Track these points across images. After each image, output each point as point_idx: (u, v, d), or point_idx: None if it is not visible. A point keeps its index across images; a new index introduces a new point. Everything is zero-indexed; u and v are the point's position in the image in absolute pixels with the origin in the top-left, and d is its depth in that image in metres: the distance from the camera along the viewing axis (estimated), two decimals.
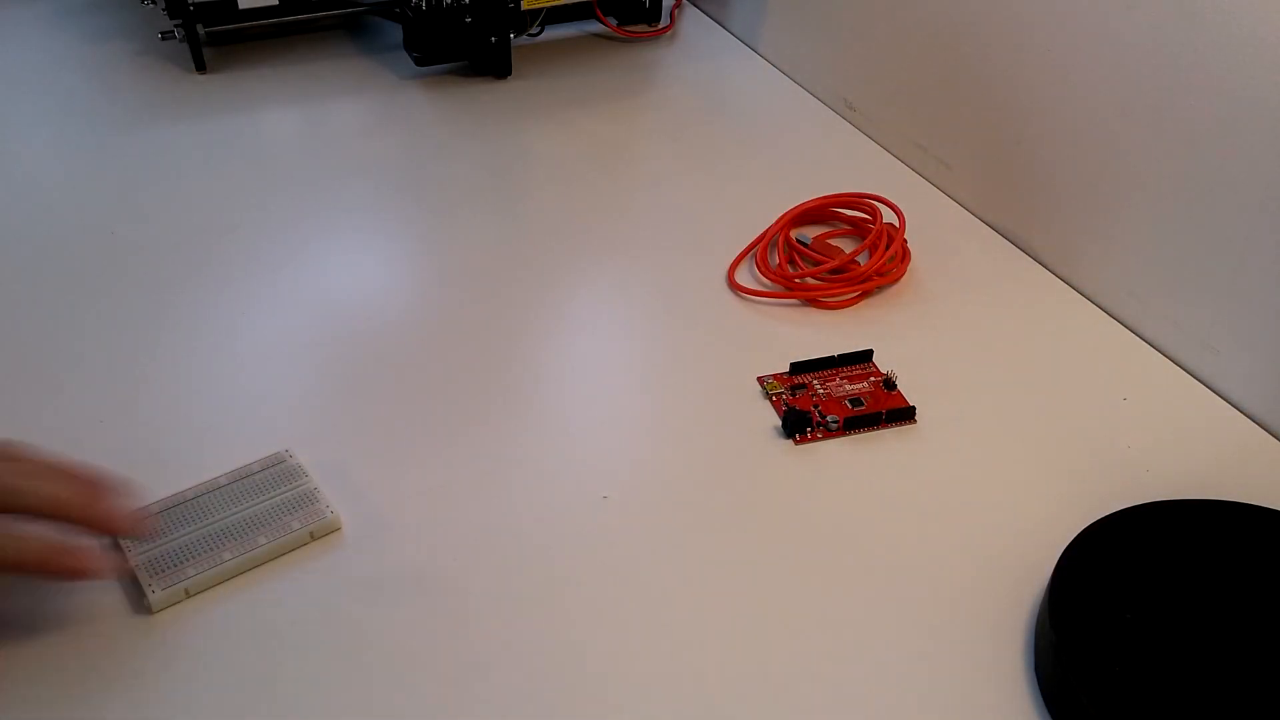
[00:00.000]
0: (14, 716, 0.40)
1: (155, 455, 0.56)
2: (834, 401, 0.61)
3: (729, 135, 0.87)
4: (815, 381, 0.62)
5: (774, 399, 0.61)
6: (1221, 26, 0.58)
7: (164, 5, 0.88)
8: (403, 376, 0.62)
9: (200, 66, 0.93)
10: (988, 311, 0.69)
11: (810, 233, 0.75)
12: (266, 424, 0.58)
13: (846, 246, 0.73)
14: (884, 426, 0.60)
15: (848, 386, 0.62)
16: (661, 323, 0.67)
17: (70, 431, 0.58)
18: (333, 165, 0.82)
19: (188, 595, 0.45)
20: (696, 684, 0.47)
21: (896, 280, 0.71)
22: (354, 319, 0.67)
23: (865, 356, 0.64)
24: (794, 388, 0.62)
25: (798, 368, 0.63)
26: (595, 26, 1.04)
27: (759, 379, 0.63)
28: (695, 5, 1.10)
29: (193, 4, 0.89)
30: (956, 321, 0.68)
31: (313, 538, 0.49)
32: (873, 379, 0.63)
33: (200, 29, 0.92)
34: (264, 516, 0.48)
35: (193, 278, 0.70)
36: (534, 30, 1.00)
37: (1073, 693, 0.44)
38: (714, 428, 0.60)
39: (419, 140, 0.85)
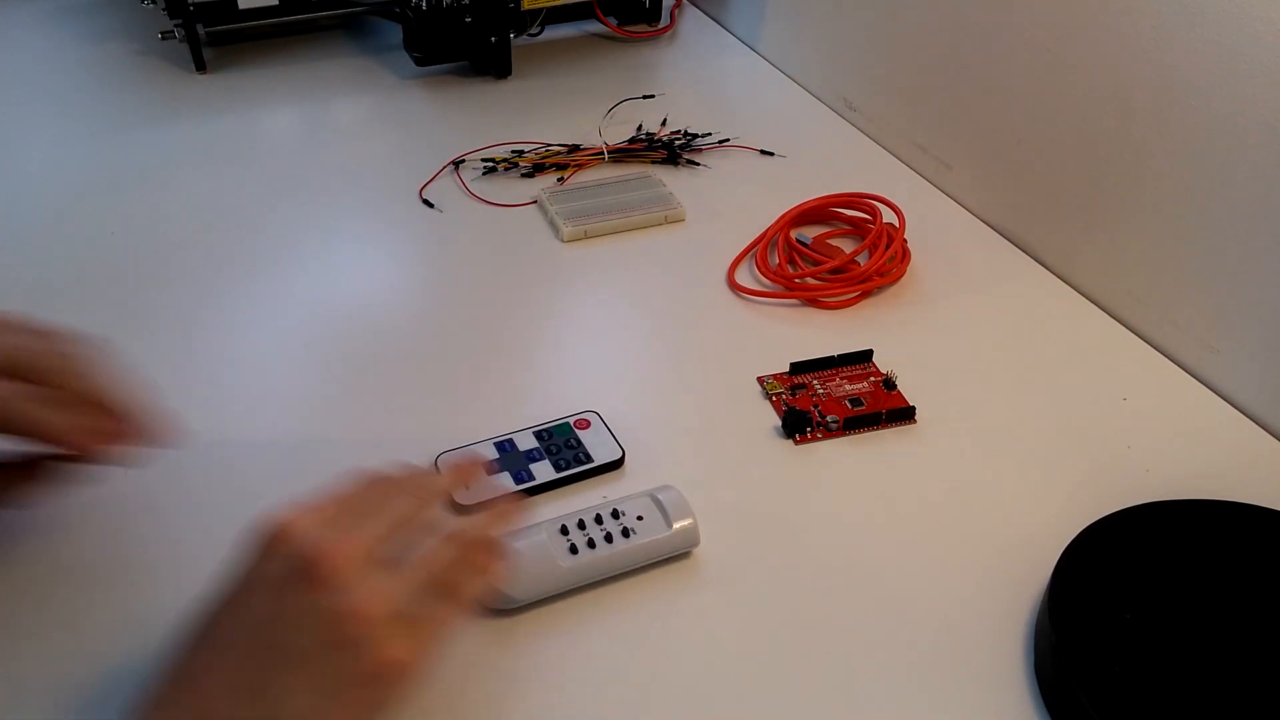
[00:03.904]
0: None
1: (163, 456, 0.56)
2: (834, 401, 0.61)
3: (727, 134, 0.87)
4: (815, 381, 0.62)
5: (774, 399, 0.61)
6: (1221, 27, 0.58)
7: (164, 5, 0.88)
8: (403, 376, 0.62)
9: (200, 66, 0.93)
10: (987, 311, 0.69)
11: (810, 233, 0.75)
12: (270, 419, 0.58)
13: (846, 246, 0.73)
14: (884, 426, 0.60)
15: (848, 386, 0.62)
16: (662, 322, 0.67)
17: None
18: (333, 165, 0.82)
19: (586, 235, 0.74)
20: (696, 681, 0.47)
21: (896, 280, 0.71)
22: (354, 319, 0.67)
23: (865, 356, 0.64)
24: (794, 388, 0.62)
25: (798, 368, 0.63)
26: (595, 26, 1.04)
27: (759, 379, 0.63)
28: (695, 5, 1.10)
29: (193, 4, 0.88)
30: (956, 321, 0.68)
31: (666, 220, 0.76)
32: (872, 379, 0.63)
33: (200, 29, 0.92)
34: (640, 202, 0.76)
35: (192, 277, 0.70)
36: (534, 30, 1.00)
37: (1073, 693, 0.44)
38: (714, 427, 0.60)
39: (419, 140, 0.85)
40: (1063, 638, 0.45)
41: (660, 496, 0.52)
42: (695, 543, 0.51)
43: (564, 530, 0.50)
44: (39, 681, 0.45)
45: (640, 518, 0.51)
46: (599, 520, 0.51)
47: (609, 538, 0.50)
